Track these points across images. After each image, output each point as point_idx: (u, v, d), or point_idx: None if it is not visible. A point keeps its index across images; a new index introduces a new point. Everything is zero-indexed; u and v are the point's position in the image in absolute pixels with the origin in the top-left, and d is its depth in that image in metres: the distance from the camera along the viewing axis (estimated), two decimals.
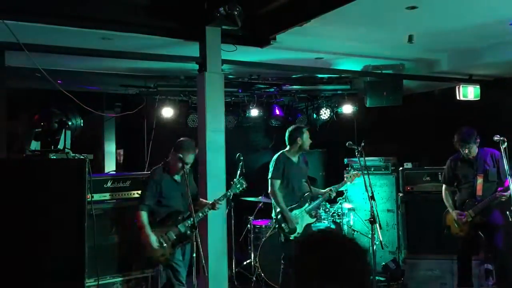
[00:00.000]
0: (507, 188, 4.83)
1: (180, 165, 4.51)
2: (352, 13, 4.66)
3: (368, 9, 4.60)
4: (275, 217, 5.43)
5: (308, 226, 5.50)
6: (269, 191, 5.43)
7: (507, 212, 4.53)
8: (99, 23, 4.46)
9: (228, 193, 4.87)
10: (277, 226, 5.41)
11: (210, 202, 4.69)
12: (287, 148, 5.51)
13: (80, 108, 6.43)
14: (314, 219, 5.69)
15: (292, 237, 5.34)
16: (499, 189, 5.07)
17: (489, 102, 6.98)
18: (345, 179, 5.84)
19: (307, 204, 5.51)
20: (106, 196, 5.37)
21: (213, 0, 4.78)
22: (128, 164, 7.70)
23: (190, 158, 4.60)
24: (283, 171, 5.38)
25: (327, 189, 5.71)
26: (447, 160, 5.69)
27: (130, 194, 5.65)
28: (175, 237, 4.43)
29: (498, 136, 4.73)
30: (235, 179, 5.12)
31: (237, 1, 4.66)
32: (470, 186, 5.37)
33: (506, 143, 4.62)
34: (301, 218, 5.41)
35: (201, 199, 4.92)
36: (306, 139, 5.46)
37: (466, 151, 5.33)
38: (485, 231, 5.32)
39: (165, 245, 4.33)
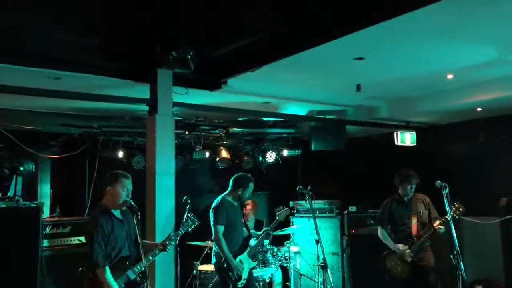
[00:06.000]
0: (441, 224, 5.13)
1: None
2: (302, 61, 4.81)
3: (318, 58, 4.78)
4: (219, 265, 5.24)
5: (250, 270, 5.42)
6: (213, 238, 5.27)
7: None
8: (48, 63, 4.31)
9: (180, 232, 4.51)
10: (223, 275, 5.22)
11: (160, 243, 4.31)
12: (227, 192, 5.44)
13: (15, 148, 6.09)
14: (255, 263, 5.64)
15: (239, 284, 5.20)
16: (434, 224, 5.29)
17: (424, 147, 7.37)
18: (276, 217, 5.90)
19: (248, 248, 5.44)
20: (44, 243, 5.04)
21: (166, 43, 4.77)
22: (65, 208, 7.27)
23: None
24: (227, 216, 5.27)
25: (263, 230, 5.77)
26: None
27: (70, 240, 5.35)
28: (123, 286, 4.11)
29: (440, 182, 4.93)
30: (185, 216, 4.92)
31: (190, 45, 4.69)
32: (405, 227, 5.53)
33: (447, 189, 4.82)
34: (244, 263, 5.30)
35: (145, 241, 4.60)
36: (248, 192, 5.44)
37: (409, 190, 5.53)
38: (419, 272, 5.41)
39: None
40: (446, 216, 5.11)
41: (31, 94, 4.61)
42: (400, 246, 5.45)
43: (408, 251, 5.38)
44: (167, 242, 4.25)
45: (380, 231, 5.72)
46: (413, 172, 5.60)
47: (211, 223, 5.26)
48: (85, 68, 4.66)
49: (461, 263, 4.53)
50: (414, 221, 5.49)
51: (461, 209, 5.16)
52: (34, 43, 4.26)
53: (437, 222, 5.27)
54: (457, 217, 5.22)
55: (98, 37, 4.70)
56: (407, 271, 5.42)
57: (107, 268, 3.81)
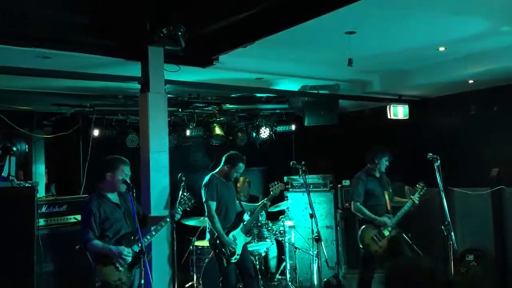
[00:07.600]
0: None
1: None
2: (294, 36, 4.79)
3: (310, 33, 4.76)
4: (212, 242, 5.30)
5: (245, 245, 5.48)
6: (206, 215, 5.33)
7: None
8: (38, 42, 4.25)
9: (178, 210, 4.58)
10: (217, 251, 5.27)
11: (167, 214, 4.53)
12: (218, 169, 5.47)
13: (8, 128, 6.06)
14: (250, 238, 5.71)
15: (233, 259, 5.27)
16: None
17: (416, 120, 7.41)
18: (271, 192, 5.89)
19: (242, 224, 5.49)
20: (41, 222, 5.07)
21: (156, 20, 4.72)
22: (60, 187, 7.29)
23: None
24: (217, 193, 5.31)
25: (261, 202, 5.84)
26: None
27: (67, 219, 5.39)
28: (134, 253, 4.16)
29: (431, 154, 4.98)
30: (179, 193, 4.98)
31: (180, 21, 4.64)
32: (380, 202, 5.70)
33: (439, 161, 4.87)
34: (238, 239, 5.35)
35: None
36: (236, 170, 5.42)
37: (386, 165, 5.80)
38: (395, 244, 5.60)
39: (121, 268, 4.06)
40: (412, 197, 5.69)
41: (21, 74, 4.58)
42: (385, 218, 5.58)
43: (389, 222, 5.56)
44: (174, 212, 4.48)
45: (358, 206, 5.67)
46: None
47: (203, 200, 5.31)
48: (75, 46, 4.60)
49: (452, 233, 4.60)
50: (387, 196, 5.73)
51: (423, 191, 5.65)
52: (22, 21, 4.21)
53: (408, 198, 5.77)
54: (417, 201, 5.67)
55: (88, 15, 4.66)
56: (385, 246, 5.54)
57: (94, 241, 3.96)
